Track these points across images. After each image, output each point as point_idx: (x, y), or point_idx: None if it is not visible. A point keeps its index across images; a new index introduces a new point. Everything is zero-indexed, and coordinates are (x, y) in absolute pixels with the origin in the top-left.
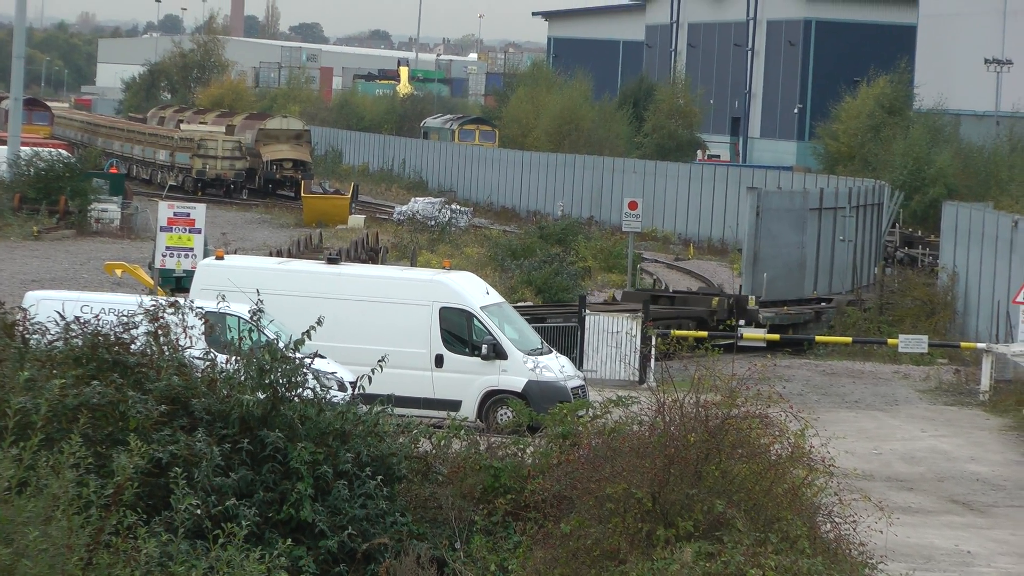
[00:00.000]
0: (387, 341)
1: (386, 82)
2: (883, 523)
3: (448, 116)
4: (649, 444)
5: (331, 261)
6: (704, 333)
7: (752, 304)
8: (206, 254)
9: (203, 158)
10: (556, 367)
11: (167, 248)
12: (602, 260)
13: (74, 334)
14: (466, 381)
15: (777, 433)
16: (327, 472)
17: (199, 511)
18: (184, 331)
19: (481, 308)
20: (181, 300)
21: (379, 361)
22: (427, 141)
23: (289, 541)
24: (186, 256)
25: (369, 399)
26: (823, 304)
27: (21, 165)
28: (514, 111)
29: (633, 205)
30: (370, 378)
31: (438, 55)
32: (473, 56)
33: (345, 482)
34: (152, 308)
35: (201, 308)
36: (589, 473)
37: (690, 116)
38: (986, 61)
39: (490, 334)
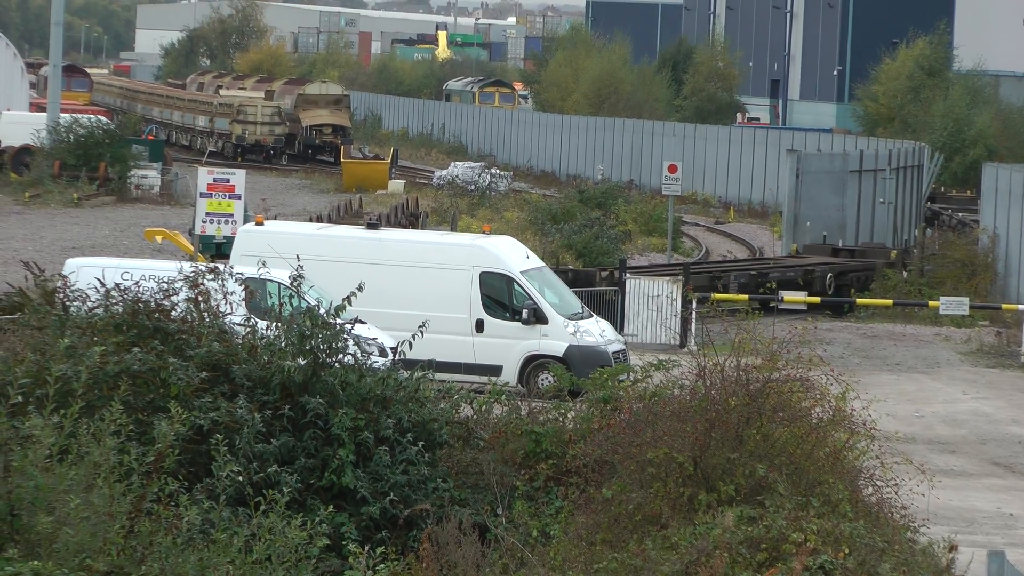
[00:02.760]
0: (428, 306)
1: (425, 47)
2: (925, 486)
3: (469, 79)
4: (690, 408)
5: (371, 226)
6: (745, 297)
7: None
8: (246, 220)
9: (243, 123)
10: (597, 331)
11: (207, 214)
12: (642, 224)
13: (114, 301)
14: (507, 346)
15: (818, 396)
16: (368, 438)
17: (240, 478)
18: (224, 297)
19: (521, 272)
20: (221, 266)
21: (420, 326)
22: (470, 106)
23: (331, 508)
24: (226, 222)
25: (410, 365)
26: None
27: (60, 132)
28: (553, 75)
29: (673, 168)
30: (411, 343)
31: (477, 19)
32: (512, 20)
33: (386, 448)
34: (192, 274)
35: (241, 274)
36: (630, 438)
37: (729, 79)
38: None
39: (531, 298)
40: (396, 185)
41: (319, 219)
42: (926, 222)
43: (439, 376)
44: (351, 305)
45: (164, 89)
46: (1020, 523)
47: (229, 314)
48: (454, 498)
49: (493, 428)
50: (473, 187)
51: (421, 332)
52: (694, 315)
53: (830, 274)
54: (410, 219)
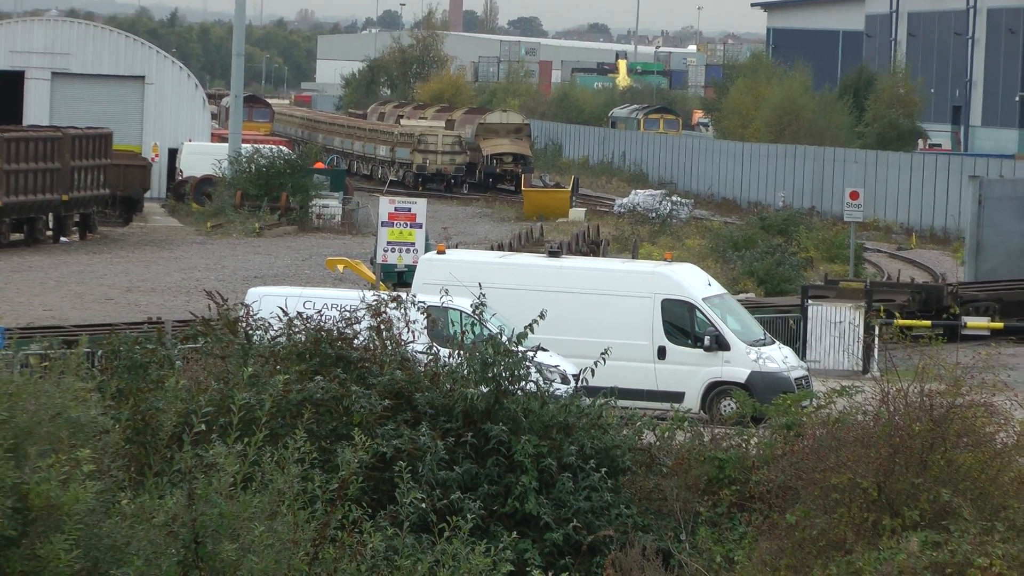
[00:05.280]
0: (609, 333)
1: (607, 75)
2: None
3: (634, 106)
4: (874, 434)
5: (552, 254)
6: (927, 323)
7: None
8: (427, 249)
9: (423, 153)
10: (779, 358)
11: (388, 243)
12: (824, 250)
13: (297, 330)
14: (689, 373)
15: (1002, 421)
16: (551, 465)
17: (424, 505)
18: (407, 325)
19: (703, 299)
20: (403, 295)
21: (602, 353)
22: (650, 134)
23: (514, 534)
24: (407, 251)
25: (592, 392)
26: None
27: (242, 162)
28: (734, 102)
29: (855, 195)
30: (593, 371)
31: (657, 47)
32: (692, 48)
33: (569, 475)
34: (374, 303)
35: (423, 302)
36: (814, 463)
37: (911, 105)
38: None
39: (712, 325)
40: (577, 213)
41: (500, 247)
42: None
43: (621, 403)
44: (533, 333)
45: (345, 119)
46: None
47: (411, 342)
48: (637, 524)
49: (676, 454)
50: (654, 215)
51: (603, 359)
52: (876, 341)
53: None
54: (591, 247)
